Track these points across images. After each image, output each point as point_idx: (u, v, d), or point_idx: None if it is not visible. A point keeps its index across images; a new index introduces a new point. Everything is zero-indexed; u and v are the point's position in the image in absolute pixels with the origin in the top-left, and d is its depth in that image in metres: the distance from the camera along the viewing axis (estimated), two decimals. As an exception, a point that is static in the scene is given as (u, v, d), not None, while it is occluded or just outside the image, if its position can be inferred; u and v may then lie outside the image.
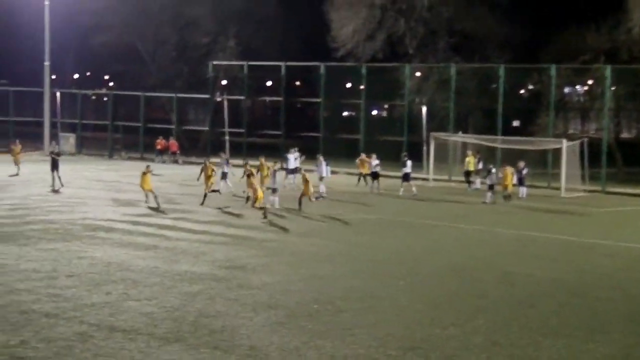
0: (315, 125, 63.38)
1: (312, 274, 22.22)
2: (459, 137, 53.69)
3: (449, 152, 53.78)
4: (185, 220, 32.04)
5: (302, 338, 15.93)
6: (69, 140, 73.75)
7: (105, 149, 71.52)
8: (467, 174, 49.07)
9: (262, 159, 40.47)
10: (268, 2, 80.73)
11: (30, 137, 72.42)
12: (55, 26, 72.25)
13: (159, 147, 65.47)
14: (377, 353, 15.14)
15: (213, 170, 38.35)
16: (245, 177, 37.75)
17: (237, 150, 66.57)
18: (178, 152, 66.34)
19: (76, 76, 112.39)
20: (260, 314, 17.62)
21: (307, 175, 37.08)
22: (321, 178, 43.23)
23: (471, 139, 52.68)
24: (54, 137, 73.28)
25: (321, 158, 45.29)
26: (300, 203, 35.90)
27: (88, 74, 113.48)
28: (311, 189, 36.51)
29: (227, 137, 70.19)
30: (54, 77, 79.40)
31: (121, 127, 73.38)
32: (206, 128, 70.84)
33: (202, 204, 36.42)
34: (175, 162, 64.49)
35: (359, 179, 47.90)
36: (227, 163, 43.88)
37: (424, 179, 51.67)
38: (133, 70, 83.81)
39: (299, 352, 15.05)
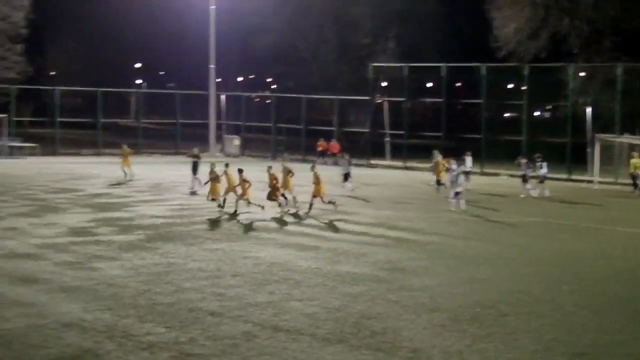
0: (476, 126, 62.74)
1: (473, 277, 22.01)
2: (626, 139, 52.02)
3: (615, 154, 52.17)
4: (346, 221, 32.27)
5: (465, 341, 15.82)
6: (233, 142, 75.54)
7: (267, 151, 72.83)
8: (634, 176, 47.46)
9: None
10: (428, 2, 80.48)
11: (196, 139, 74.59)
12: (220, 30, 74.15)
13: (320, 148, 66.18)
14: (542, 359, 14.88)
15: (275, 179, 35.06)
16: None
17: (398, 152, 66.70)
18: (339, 154, 66.88)
19: (240, 79, 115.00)
20: (422, 317, 17.59)
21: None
22: (439, 182, 42.29)
23: (638, 140, 50.94)
24: (218, 139, 75.26)
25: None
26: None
27: (251, 76, 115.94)
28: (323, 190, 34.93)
29: (387, 139, 70.38)
30: (219, 80, 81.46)
31: (284, 129, 74.60)
32: (367, 130, 71.17)
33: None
34: (336, 163, 64.99)
35: (438, 184, 42.83)
36: (349, 164, 43.85)
37: (588, 182, 50.37)
38: (295, 71, 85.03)
39: (461, 356, 14.95)
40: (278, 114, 75.88)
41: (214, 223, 30.78)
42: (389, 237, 28.48)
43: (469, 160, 47.06)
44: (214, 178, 34.27)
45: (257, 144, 76.21)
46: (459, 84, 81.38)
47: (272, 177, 34.32)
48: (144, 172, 46.99)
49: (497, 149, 58.53)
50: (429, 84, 78.21)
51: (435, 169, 43.77)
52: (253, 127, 79.98)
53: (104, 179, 46.65)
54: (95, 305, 17.73)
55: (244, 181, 33.82)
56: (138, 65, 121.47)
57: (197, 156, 43.61)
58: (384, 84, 76.85)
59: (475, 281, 21.49)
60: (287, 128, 74.26)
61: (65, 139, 71.68)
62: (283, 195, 34.68)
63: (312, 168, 35.41)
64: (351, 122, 78.25)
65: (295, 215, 33.57)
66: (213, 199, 34.46)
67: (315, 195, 34.49)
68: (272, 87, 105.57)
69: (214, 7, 72.73)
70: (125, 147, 48.15)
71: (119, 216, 31.93)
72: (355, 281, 20.96)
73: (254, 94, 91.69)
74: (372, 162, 66.19)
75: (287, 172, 35.55)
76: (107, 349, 14.71)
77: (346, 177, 42.80)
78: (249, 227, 29.94)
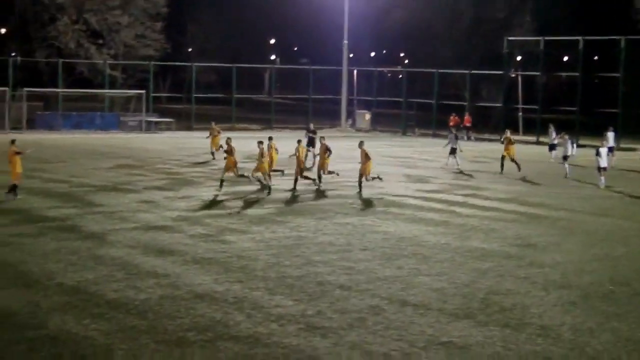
0: (613, 101, 61.04)
1: (605, 254, 21.55)
2: None
3: None
4: (475, 197, 31.99)
5: (597, 319, 15.53)
6: (364, 117, 75.69)
7: (398, 126, 72.66)
8: None
9: None
10: (567, -26, 78.63)
11: (328, 115, 75.06)
12: (354, 5, 74.21)
13: (452, 123, 65.63)
14: (675, 339, 14.50)
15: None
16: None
17: (531, 126, 65.55)
18: (470, 126, 66.32)
19: (372, 54, 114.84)
20: (552, 293, 17.34)
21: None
22: (565, 157, 40.69)
23: None
24: (350, 114, 75.48)
25: (566, 136, 42.99)
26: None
27: (384, 51, 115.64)
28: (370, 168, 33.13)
29: (520, 114, 69.18)
30: (351, 55, 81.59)
31: (415, 104, 74.28)
32: (499, 104, 70.16)
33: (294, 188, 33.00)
34: (469, 138, 64.41)
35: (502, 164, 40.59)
36: (457, 138, 43.16)
37: None
38: (427, 46, 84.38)
39: (592, 334, 14.69)
40: (409, 89, 75.57)
41: (344, 197, 30.93)
42: (519, 213, 28.10)
43: (611, 136, 45.97)
44: (228, 151, 32.88)
45: (388, 119, 76.08)
46: (596, 58, 79.39)
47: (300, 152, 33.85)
48: (278, 147, 47.37)
49: (634, 124, 56.86)
50: (565, 58, 76.50)
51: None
52: (384, 102, 79.82)
53: (236, 153, 47.36)
54: (226, 277, 18.13)
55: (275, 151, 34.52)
56: (272, 41, 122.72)
57: (313, 132, 43.84)
58: (519, 58, 75.55)
59: (607, 258, 21.04)
60: (419, 103, 73.89)
61: (200, 115, 73.12)
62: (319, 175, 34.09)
63: (360, 145, 33.64)
64: (483, 97, 77.21)
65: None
66: (234, 174, 32.90)
67: (362, 174, 32.92)
68: (404, 62, 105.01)
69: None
70: (213, 124, 46.42)
71: (250, 189, 32.43)
72: (484, 257, 20.80)
73: (385, 69, 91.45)
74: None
75: (325, 151, 34.28)
76: (237, 320, 15.04)
77: (453, 151, 42.25)
78: (379, 202, 29.99)
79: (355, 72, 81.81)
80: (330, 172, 34.22)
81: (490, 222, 26.02)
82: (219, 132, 45.09)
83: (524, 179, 38.08)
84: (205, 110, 76.84)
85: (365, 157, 32.69)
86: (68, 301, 15.94)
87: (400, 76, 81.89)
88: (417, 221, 26.04)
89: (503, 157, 40.07)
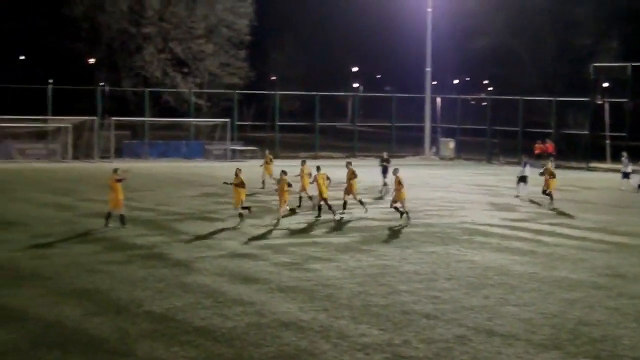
0: None
1: (700, 286, 20.98)
2: None
3: None
4: (562, 225, 31.50)
5: (690, 353, 15.11)
6: (448, 145, 75.32)
7: (482, 154, 72.11)
8: None
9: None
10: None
11: (412, 142, 74.93)
12: (437, 32, 74.15)
13: (537, 151, 64.87)
14: None
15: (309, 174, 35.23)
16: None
17: (618, 154, 64.44)
18: (554, 153, 65.41)
19: (456, 81, 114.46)
20: (644, 326, 16.95)
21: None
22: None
23: None
24: (433, 142, 75.23)
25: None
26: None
27: (467, 78, 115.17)
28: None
29: (607, 142, 68.10)
30: (434, 82, 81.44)
31: (499, 131, 73.64)
32: (586, 132, 69.15)
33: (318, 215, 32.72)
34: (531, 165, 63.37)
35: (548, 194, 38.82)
36: (527, 165, 42.05)
37: None
38: (511, 73, 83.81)
39: (685, 368, 14.31)
40: (494, 116, 74.97)
41: (429, 226, 30.75)
42: (609, 242, 27.57)
43: (625, 161, 45.35)
44: (239, 184, 31.06)
45: (472, 146, 75.61)
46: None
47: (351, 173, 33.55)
48: (359, 175, 47.40)
49: None
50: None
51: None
52: (468, 130, 79.36)
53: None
54: (312, 305, 18.13)
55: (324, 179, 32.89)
56: (355, 69, 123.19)
57: (386, 160, 43.62)
58: (605, 84, 74.43)
59: (702, 290, 20.48)
60: (503, 130, 73.24)
61: (283, 142, 73.64)
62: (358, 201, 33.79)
63: (395, 172, 33.14)
64: (569, 124, 76.24)
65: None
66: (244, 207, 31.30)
67: (395, 200, 32.46)
68: (488, 89, 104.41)
69: (430, 9, 72.78)
70: (267, 152, 46.92)
71: (334, 218, 32.45)
72: (572, 287, 20.44)
73: (469, 96, 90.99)
74: (592, 165, 64.31)
75: (351, 176, 33.92)
76: (323, 349, 15.02)
77: (522, 179, 41.35)
78: (464, 231, 29.73)
79: (438, 99, 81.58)
80: (361, 202, 33.82)
81: (578, 252, 25.59)
82: (271, 160, 45.04)
83: (614, 207, 37.37)
84: (289, 138, 77.47)
85: (399, 185, 32.18)
86: (156, 328, 16.12)
87: (484, 103, 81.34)
88: (503, 250, 25.74)
89: (544, 191, 38.36)
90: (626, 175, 46.22)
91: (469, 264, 23.28)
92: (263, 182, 43.16)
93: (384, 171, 42.71)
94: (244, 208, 30.80)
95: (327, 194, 32.84)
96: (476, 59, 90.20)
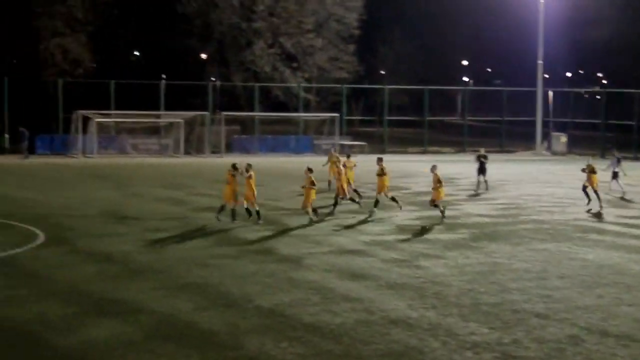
0: None
1: None
2: None
3: None
4: (681, 223, 30.60)
5: None
6: (560, 140, 73.91)
7: (596, 148, 70.56)
8: None
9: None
10: None
11: (522, 137, 73.84)
12: (549, 24, 72.80)
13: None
14: None
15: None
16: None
17: None
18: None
19: (569, 74, 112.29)
20: None
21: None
22: None
23: None
24: (545, 136, 73.97)
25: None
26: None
27: (581, 71, 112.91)
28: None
29: None
30: (546, 76, 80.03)
31: (614, 125, 71.90)
32: None
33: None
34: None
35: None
36: (618, 162, 40.32)
37: None
38: (627, 65, 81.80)
39: None
40: (608, 110, 73.22)
41: (540, 223, 30.23)
42: None
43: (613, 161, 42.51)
44: (310, 184, 30.29)
45: (585, 141, 74.01)
46: None
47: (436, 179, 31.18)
48: (468, 170, 46.94)
49: None
50: None
51: None
52: (581, 124, 77.73)
53: (429, 177, 47.23)
54: (420, 302, 18.03)
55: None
56: (465, 62, 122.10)
57: (484, 157, 42.69)
58: None
59: None
60: (618, 125, 71.48)
61: (392, 137, 73.47)
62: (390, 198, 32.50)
63: (432, 169, 31.56)
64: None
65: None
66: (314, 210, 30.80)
67: (433, 199, 31.22)
68: (602, 81, 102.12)
69: (542, 0, 71.52)
70: (333, 151, 44.40)
71: (439, 215, 32.20)
72: (691, 287, 19.82)
73: (582, 90, 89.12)
74: None
75: (381, 172, 32.40)
76: (432, 347, 14.92)
77: (615, 175, 39.83)
78: (576, 228, 29.15)
79: (550, 92, 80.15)
80: (393, 199, 32.72)
81: (696, 251, 24.81)
82: (338, 159, 42.19)
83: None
84: (398, 133, 77.27)
85: (438, 183, 30.93)
86: (265, 323, 16.25)
87: (599, 97, 79.52)
88: (618, 248, 25.12)
89: (585, 187, 35.46)
90: (615, 175, 42.39)
91: (581, 262, 22.80)
92: (329, 183, 40.25)
93: (481, 168, 41.65)
94: (313, 210, 30.30)
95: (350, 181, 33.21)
96: (590, 50, 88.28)
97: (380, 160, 32.95)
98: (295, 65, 78.09)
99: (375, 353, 14.54)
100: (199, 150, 65.01)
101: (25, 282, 19.70)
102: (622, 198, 38.26)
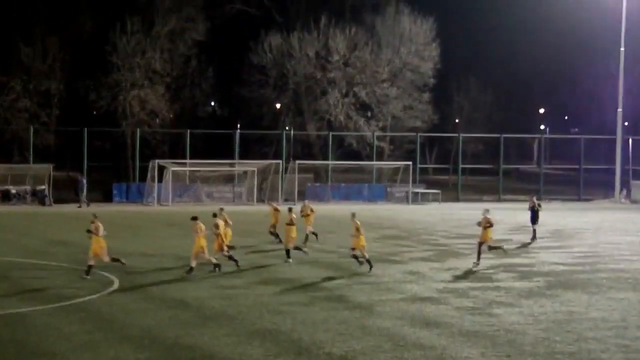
0: None
1: None
2: None
3: None
4: None
5: None
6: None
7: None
8: None
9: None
10: None
11: (601, 186, 72.64)
12: (629, 71, 71.82)
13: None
14: None
15: None
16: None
17: None
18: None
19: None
20: None
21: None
22: None
23: None
24: (624, 184, 72.66)
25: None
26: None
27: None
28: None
29: None
30: (626, 123, 78.81)
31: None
32: None
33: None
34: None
35: None
36: None
37: None
38: None
39: None
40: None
41: (619, 271, 29.60)
42: None
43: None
44: (289, 222, 31.17)
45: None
46: None
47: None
48: (545, 219, 46.32)
49: None
50: None
51: None
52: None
53: (504, 225, 46.77)
54: (494, 351, 17.73)
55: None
56: (542, 110, 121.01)
57: (536, 205, 41.63)
58: None
59: None
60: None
61: (466, 185, 72.95)
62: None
63: (484, 213, 30.65)
64: None
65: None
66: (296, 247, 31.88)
67: (482, 241, 30.52)
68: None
69: (623, 49, 70.62)
70: (306, 203, 40.94)
71: (518, 262, 31.81)
72: None
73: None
74: None
75: (485, 224, 30.62)
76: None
77: None
78: (655, 277, 28.47)
79: (630, 140, 78.81)
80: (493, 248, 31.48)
81: None
82: (312, 211, 39.00)
83: None
84: (472, 181, 76.71)
85: (487, 223, 30.26)
86: (336, 370, 16.14)
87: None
88: (699, 298, 24.44)
89: None
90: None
91: (661, 312, 22.23)
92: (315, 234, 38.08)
93: (534, 217, 40.56)
94: (296, 248, 31.45)
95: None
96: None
97: (486, 211, 31.28)
98: (369, 114, 78.26)
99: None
100: (272, 198, 65.31)
101: (101, 327, 19.90)
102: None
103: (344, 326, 20.03)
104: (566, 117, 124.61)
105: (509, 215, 50.62)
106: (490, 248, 31.20)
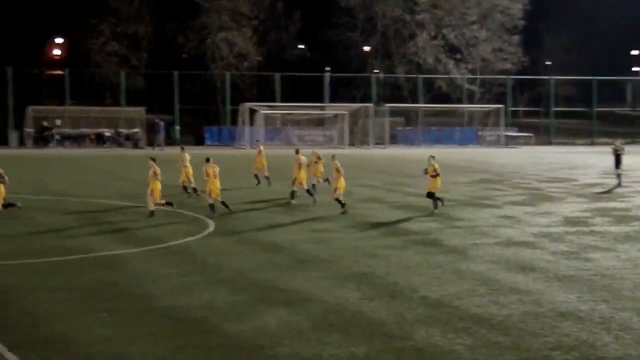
0: None
1: None
2: None
3: None
4: None
5: None
6: None
7: None
8: None
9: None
10: None
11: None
12: None
13: None
14: None
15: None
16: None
17: None
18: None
19: None
20: None
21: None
22: None
23: None
24: None
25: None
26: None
27: None
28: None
29: None
30: None
31: None
32: None
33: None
34: None
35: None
36: None
37: None
38: None
39: None
40: None
41: None
42: None
43: None
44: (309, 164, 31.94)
45: None
46: None
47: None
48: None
49: None
50: None
51: None
52: None
53: (598, 169, 46.08)
54: (590, 296, 17.55)
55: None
56: (635, 52, 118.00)
57: (619, 149, 40.64)
58: None
59: None
60: None
61: (559, 129, 71.85)
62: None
63: (430, 160, 29.87)
64: None
65: None
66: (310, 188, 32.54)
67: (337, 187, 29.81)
68: None
69: None
70: (314, 150, 38.40)
71: (613, 206, 31.34)
72: None
73: None
74: None
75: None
76: (604, 341, 14.48)
77: None
78: None
79: None
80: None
81: None
82: (319, 159, 35.80)
83: None
84: (565, 124, 75.49)
85: (337, 172, 29.95)
86: (432, 314, 16.17)
87: None
88: None
89: None
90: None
91: None
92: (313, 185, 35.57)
93: (617, 160, 39.73)
94: (307, 191, 31.96)
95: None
96: None
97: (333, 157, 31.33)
98: (458, 56, 77.46)
99: (545, 346, 14.23)
100: (363, 142, 65.31)
101: (196, 270, 20.24)
102: None
103: (438, 270, 20.04)
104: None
105: (602, 160, 49.79)
106: (430, 196, 29.81)
